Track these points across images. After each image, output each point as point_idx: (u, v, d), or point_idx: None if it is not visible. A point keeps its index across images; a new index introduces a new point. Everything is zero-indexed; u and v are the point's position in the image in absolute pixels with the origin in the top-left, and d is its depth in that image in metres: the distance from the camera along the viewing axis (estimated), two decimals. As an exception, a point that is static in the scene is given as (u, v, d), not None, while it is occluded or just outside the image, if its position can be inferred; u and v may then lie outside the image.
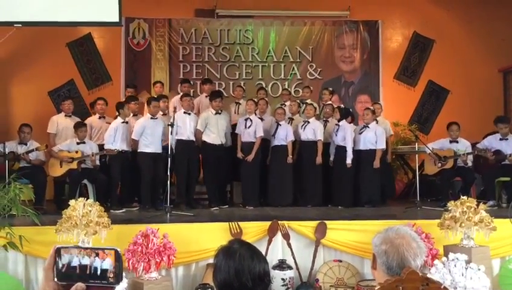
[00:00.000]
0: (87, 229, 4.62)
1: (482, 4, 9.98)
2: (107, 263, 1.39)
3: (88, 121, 7.88)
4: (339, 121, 7.67)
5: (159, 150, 7.19)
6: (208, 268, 5.14)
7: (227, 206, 7.56)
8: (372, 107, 8.01)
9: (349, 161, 7.40)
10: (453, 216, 5.06)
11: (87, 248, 1.40)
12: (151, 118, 7.28)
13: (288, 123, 7.91)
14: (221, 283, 1.95)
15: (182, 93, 8.21)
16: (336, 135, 7.62)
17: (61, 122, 7.75)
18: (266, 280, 1.96)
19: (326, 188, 7.66)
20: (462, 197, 5.26)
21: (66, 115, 7.84)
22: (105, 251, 1.38)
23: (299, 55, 10.23)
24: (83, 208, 4.71)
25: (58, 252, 1.41)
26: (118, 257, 1.38)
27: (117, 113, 7.44)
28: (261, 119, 7.77)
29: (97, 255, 1.40)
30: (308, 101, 8.45)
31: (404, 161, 9.39)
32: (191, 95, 8.13)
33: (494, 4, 9.83)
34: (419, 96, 10.52)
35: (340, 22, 10.34)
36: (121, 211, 6.85)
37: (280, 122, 7.65)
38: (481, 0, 9.96)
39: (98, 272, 1.40)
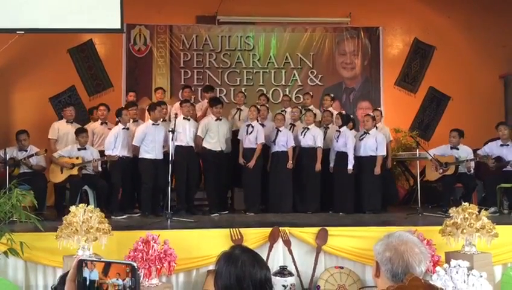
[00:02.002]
0: (87, 236, 4.60)
1: (482, 11, 10.00)
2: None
3: (90, 127, 7.86)
4: (340, 127, 7.67)
5: (160, 157, 7.19)
6: (208, 275, 5.12)
7: (227, 212, 7.55)
8: (372, 114, 8.02)
9: (350, 166, 7.39)
10: (455, 223, 5.04)
11: (106, 261, 1.40)
12: (153, 124, 7.28)
13: (290, 129, 7.92)
14: (222, 289, 1.94)
15: (181, 99, 8.21)
16: (337, 141, 7.60)
17: (62, 129, 7.74)
18: (268, 286, 1.94)
19: (327, 195, 7.65)
20: (463, 203, 5.24)
21: (67, 122, 7.84)
22: (123, 264, 1.37)
23: (300, 62, 10.24)
24: (83, 214, 4.70)
25: (80, 265, 1.41)
26: (134, 272, 1.37)
27: (117, 120, 7.45)
28: (262, 125, 7.78)
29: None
30: (311, 107, 8.46)
31: (405, 167, 9.38)
32: (192, 101, 8.14)
33: (494, 11, 9.85)
34: (420, 103, 10.53)
35: (341, 28, 10.36)
36: (121, 217, 6.84)
37: (280, 129, 7.65)
38: (482, 7, 9.98)
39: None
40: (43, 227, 4.88)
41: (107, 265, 1.38)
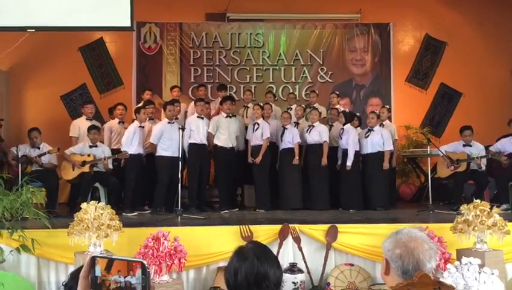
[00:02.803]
0: (98, 232, 4.63)
1: (493, 6, 9.91)
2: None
3: (108, 125, 7.94)
4: (343, 125, 7.69)
5: (177, 154, 7.21)
6: (218, 271, 5.14)
7: (237, 209, 7.56)
8: (377, 111, 8.05)
9: (349, 163, 7.44)
10: (466, 220, 5.00)
11: (118, 258, 1.40)
12: (168, 123, 7.32)
13: (295, 127, 7.92)
14: (226, 282, 1.93)
15: (196, 98, 8.23)
16: (341, 139, 7.66)
17: (83, 126, 7.70)
18: (264, 284, 1.86)
19: (335, 192, 7.63)
20: (475, 200, 5.20)
21: (87, 119, 7.87)
22: (133, 263, 1.38)
23: (309, 59, 10.21)
24: (94, 211, 4.72)
25: (93, 262, 1.42)
26: (144, 270, 1.37)
27: (134, 117, 7.48)
28: (268, 123, 7.80)
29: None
30: (316, 105, 8.44)
31: (416, 164, 9.32)
32: (205, 100, 8.16)
33: (506, 6, 9.76)
34: (431, 99, 10.46)
35: (351, 24, 10.31)
36: (132, 214, 6.88)
37: (286, 127, 7.66)
38: (493, 2, 9.89)
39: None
40: (54, 224, 4.92)
41: (110, 262, 1.39)
